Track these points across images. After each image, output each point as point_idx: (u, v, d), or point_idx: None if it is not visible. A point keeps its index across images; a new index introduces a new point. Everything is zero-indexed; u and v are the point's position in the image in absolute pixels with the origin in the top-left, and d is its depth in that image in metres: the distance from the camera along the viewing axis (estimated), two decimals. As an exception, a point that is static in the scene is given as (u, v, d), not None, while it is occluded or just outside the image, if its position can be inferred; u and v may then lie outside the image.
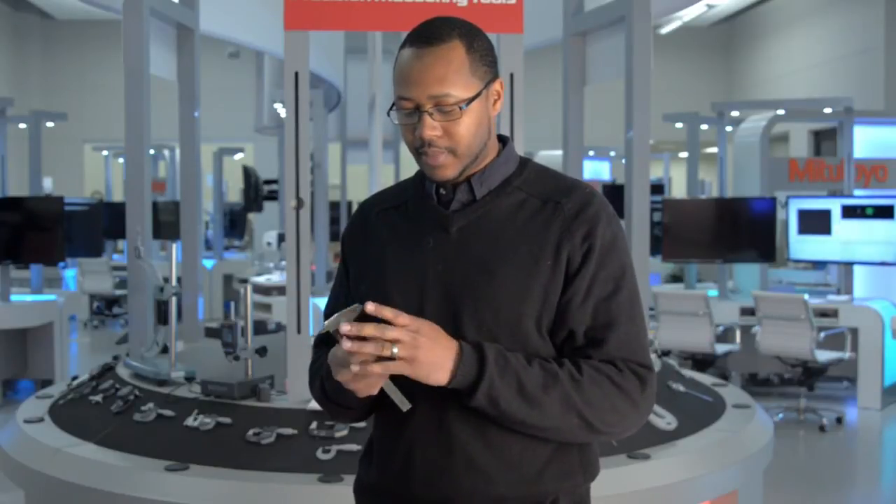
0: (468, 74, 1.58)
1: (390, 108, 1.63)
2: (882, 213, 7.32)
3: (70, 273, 11.34)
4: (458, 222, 1.64)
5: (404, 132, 1.64)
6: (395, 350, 1.46)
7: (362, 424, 2.93)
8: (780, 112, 8.59)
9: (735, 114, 9.12)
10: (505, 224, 1.63)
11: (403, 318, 1.47)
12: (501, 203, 1.65)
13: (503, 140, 1.72)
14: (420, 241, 1.66)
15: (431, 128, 1.58)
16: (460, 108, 1.57)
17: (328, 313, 1.80)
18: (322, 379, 1.70)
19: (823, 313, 7.11)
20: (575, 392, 1.54)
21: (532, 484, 1.62)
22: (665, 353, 6.27)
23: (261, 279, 8.94)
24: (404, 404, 1.53)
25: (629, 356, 1.60)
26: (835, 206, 7.55)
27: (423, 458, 1.63)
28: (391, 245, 1.68)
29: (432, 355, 1.49)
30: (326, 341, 1.74)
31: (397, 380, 1.55)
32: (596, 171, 13.00)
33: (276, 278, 8.78)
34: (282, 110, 10.05)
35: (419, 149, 1.61)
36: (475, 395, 1.51)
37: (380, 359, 1.47)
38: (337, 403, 1.69)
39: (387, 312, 1.46)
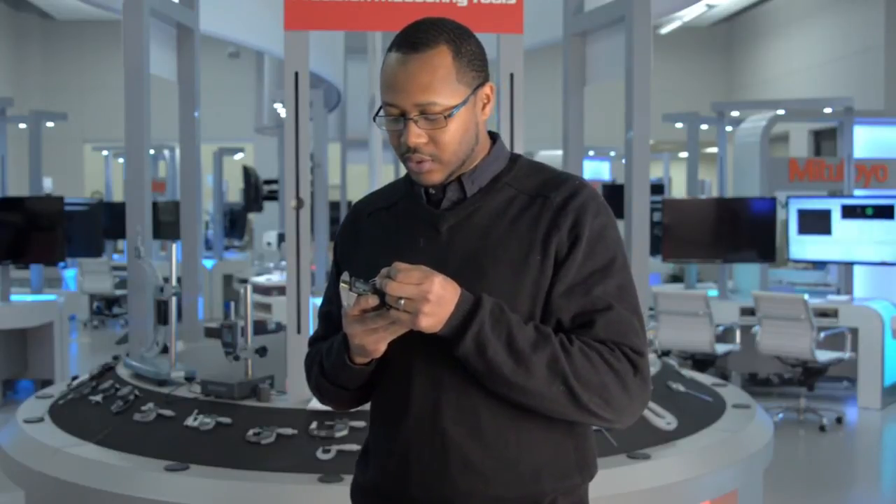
0: (454, 81, 1.56)
1: (375, 114, 1.62)
2: (882, 213, 7.32)
3: (70, 273, 11.34)
4: (448, 221, 1.64)
5: (391, 137, 1.62)
6: (402, 302, 1.47)
7: (362, 424, 2.93)
8: (780, 112, 8.58)
9: (735, 114, 9.12)
10: (494, 221, 1.62)
11: (414, 276, 1.47)
12: (491, 200, 1.64)
13: (494, 137, 1.70)
14: (411, 241, 1.65)
15: (417, 135, 1.57)
16: (446, 117, 1.56)
17: (322, 315, 1.80)
18: (321, 360, 1.70)
19: (823, 313, 7.11)
20: (564, 358, 1.52)
21: (529, 484, 1.61)
22: (665, 353, 6.27)
23: (261, 279, 8.94)
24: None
25: (620, 339, 1.57)
26: (835, 206, 7.55)
27: (419, 459, 1.62)
28: (382, 246, 1.68)
29: (436, 309, 1.48)
30: (324, 337, 1.75)
31: (397, 367, 1.58)
32: (596, 171, 13.01)
33: (276, 278, 8.78)
34: (282, 110, 10.05)
35: (404, 154, 1.60)
36: (464, 337, 1.50)
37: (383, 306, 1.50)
38: (333, 383, 1.68)
39: (393, 272, 1.47)
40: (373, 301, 1.50)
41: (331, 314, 1.75)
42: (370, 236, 1.73)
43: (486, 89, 1.63)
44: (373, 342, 1.54)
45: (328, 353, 1.68)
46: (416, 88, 1.54)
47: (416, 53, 1.55)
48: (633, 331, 1.58)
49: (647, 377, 1.59)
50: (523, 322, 1.55)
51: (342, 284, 1.51)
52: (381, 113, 1.60)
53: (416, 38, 1.56)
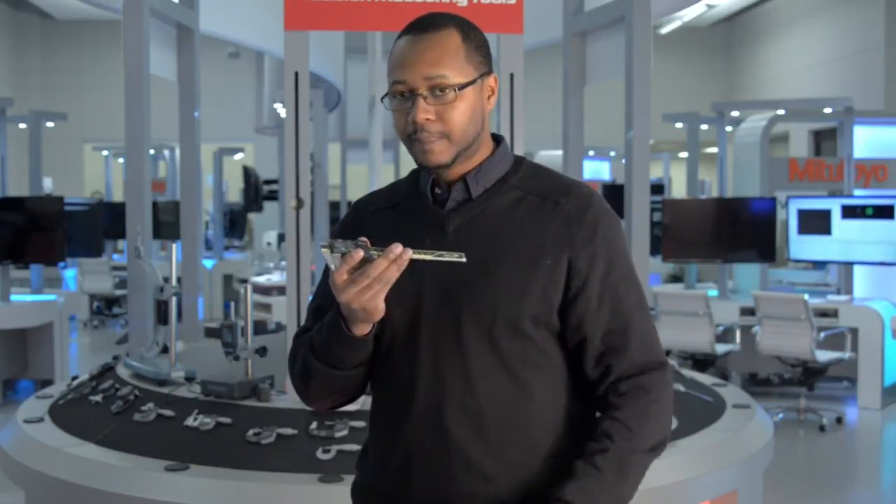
0: (463, 60, 1.59)
1: (384, 96, 1.62)
2: (882, 213, 7.32)
3: (70, 273, 11.35)
4: (454, 221, 1.63)
5: (397, 119, 1.61)
6: None
7: (362, 424, 2.93)
8: (780, 112, 8.59)
9: (735, 114, 9.12)
10: (502, 222, 1.62)
11: None
12: (498, 201, 1.64)
13: (497, 139, 1.71)
14: (416, 241, 1.63)
15: (425, 111, 1.56)
16: (455, 91, 1.57)
17: (312, 310, 1.75)
18: (311, 342, 1.64)
19: (823, 313, 7.11)
20: (640, 451, 1.60)
21: (532, 485, 1.61)
22: (665, 354, 6.26)
23: (261, 279, 8.94)
24: (453, 255, 1.50)
25: (650, 357, 1.63)
26: (835, 206, 7.55)
27: (421, 459, 1.62)
28: (386, 245, 1.67)
29: None
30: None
31: (401, 365, 1.60)
32: (596, 171, 13.01)
33: (276, 278, 8.78)
34: (282, 110, 10.06)
35: (411, 135, 1.59)
36: None
37: None
38: (326, 364, 1.62)
39: None
40: (357, 256, 1.47)
41: (321, 308, 1.70)
42: (374, 235, 1.71)
43: (491, 80, 1.65)
44: (370, 300, 1.49)
45: (319, 331, 1.62)
46: (425, 63, 1.56)
47: (426, 34, 1.58)
48: (657, 342, 1.66)
49: (672, 379, 1.68)
50: (593, 466, 1.56)
51: (323, 250, 1.49)
52: (390, 95, 1.61)
53: (425, 23, 1.60)
